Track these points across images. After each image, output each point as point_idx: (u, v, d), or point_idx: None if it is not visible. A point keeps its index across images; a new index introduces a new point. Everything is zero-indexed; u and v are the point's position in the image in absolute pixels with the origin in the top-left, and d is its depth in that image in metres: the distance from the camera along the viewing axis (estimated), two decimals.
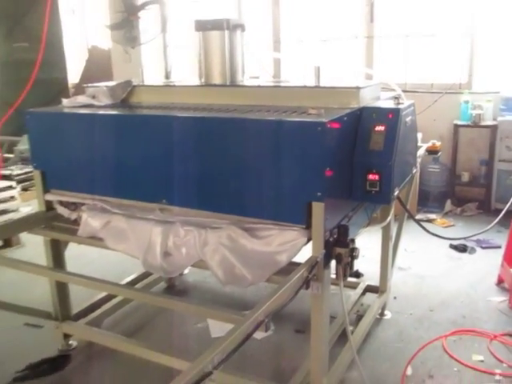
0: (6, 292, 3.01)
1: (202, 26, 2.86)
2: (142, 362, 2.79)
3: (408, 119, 2.58)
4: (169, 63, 6.97)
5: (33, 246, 4.53)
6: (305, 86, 2.68)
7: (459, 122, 5.62)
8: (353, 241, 2.30)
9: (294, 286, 1.98)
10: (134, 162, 2.59)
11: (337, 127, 2.19)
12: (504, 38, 5.42)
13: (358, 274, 3.74)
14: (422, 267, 4.23)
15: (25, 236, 4.51)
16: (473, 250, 4.56)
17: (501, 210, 3.85)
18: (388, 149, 2.36)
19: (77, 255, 3.31)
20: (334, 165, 2.20)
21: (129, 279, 3.63)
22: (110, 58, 7.14)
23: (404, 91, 2.98)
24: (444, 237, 3.85)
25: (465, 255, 4.50)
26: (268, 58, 6.48)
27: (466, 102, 5.57)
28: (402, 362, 2.93)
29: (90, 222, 2.71)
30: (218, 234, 2.34)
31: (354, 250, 2.26)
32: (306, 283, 2.09)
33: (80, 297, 3.26)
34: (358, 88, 2.49)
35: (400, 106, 2.49)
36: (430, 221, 5.28)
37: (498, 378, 2.80)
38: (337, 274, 2.27)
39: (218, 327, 3.30)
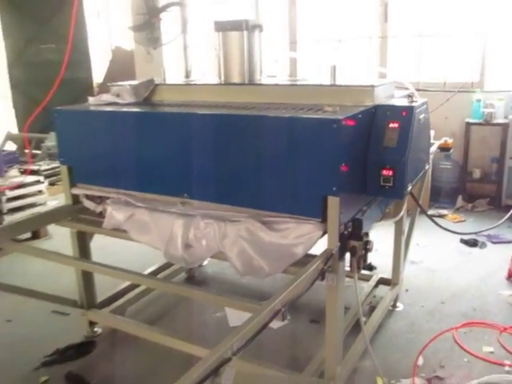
0: (35, 281, 3.06)
1: (222, 27, 2.87)
2: (163, 348, 2.82)
3: (421, 117, 2.57)
4: (189, 63, 6.98)
5: (59, 238, 4.59)
6: (321, 85, 2.67)
7: (471, 120, 5.57)
8: (367, 234, 2.30)
9: (309, 277, 1.98)
10: (157, 157, 2.62)
11: (352, 124, 2.19)
12: None
13: (371, 267, 3.73)
14: (434, 261, 4.20)
15: (52, 228, 4.58)
16: (483, 245, 4.51)
17: (511, 206, 3.81)
18: (401, 145, 2.35)
19: (101, 247, 3.34)
20: (349, 160, 2.20)
21: (150, 270, 3.66)
22: (132, 58, 7.17)
23: (417, 90, 2.96)
24: (455, 231, 3.83)
25: (475, 250, 4.46)
26: (285, 57, 6.47)
27: (478, 101, 5.51)
28: (414, 353, 2.92)
29: (115, 214, 2.73)
30: (236, 227, 2.35)
31: (367, 243, 2.26)
32: (322, 275, 2.09)
33: (104, 286, 3.30)
34: (372, 86, 2.48)
35: (413, 104, 2.48)
36: (441, 216, 5.24)
37: (507, 368, 2.79)
38: (351, 266, 2.27)
39: (236, 316, 3.32)
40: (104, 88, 6.89)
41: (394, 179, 2.34)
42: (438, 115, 4.86)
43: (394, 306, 3.46)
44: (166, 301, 3.63)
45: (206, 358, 1.46)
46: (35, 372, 2.90)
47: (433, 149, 3.27)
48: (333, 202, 2.15)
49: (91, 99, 3.07)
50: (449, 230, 3.59)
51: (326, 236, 2.22)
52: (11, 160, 6.39)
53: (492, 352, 2.95)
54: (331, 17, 6.16)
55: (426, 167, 2.96)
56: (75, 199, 2.98)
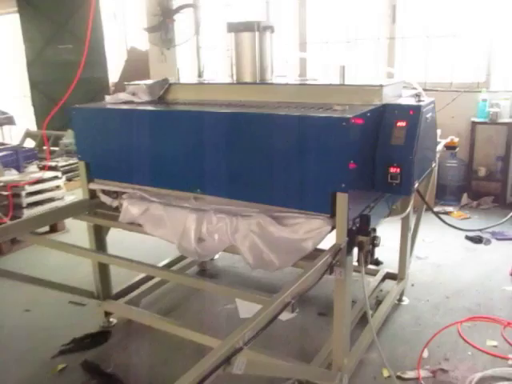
0: (53, 273, 3.09)
1: (234, 28, 2.87)
2: (175, 339, 2.84)
3: (428, 116, 2.56)
4: (201, 63, 7.01)
5: (76, 232, 4.63)
6: (330, 84, 2.67)
7: (477, 120, 5.52)
8: (374, 230, 2.29)
9: (318, 270, 1.99)
10: (171, 154, 2.63)
11: (360, 123, 2.19)
12: None
13: (377, 262, 3.72)
14: (439, 257, 4.18)
15: (69, 222, 4.61)
16: (488, 242, 4.48)
17: None
18: (409, 143, 2.34)
19: (116, 241, 3.35)
20: (358, 158, 2.20)
21: (164, 263, 3.67)
22: (146, 58, 7.18)
23: (424, 90, 2.95)
24: (460, 228, 3.81)
25: (480, 246, 4.43)
26: (294, 57, 6.46)
27: (484, 100, 5.47)
28: (419, 346, 2.91)
29: (130, 209, 2.75)
30: (248, 222, 2.36)
31: (375, 238, 2.25)
32: (330, 268, 2.10)
33: (120, 278, 3.32)
34: (380, 86, 2.47)
35: (421, 103, 2.47)
36: (446, 213, 5.22)
37: (511, 362, 2.77)
38: (358, 260, 2.27)
39: (246, 308, 3.33)
40: (119, 87, 6.92)
41: (402, 176, 2.34)
42: (444, 115, 4.83)
43: (400, 300, 3.45)
44: (178, 293, 3.65)
45: (218, 347, 1.47)
46: (53, 360, 2.93)
47: (439, 147, 3.26)
48: (341, 198, 2.15)
49: (108, 98, 3.09)
50: (454, 227, 3.57)
51: (334, 231, 2.23)
52: (30, 156, 6.46)
53: (496, 346, 2.93)
54: (340, 18, 6.14)
55: (433, 165, 2.95)
56: (92, 194, 3.00)
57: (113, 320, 3.27)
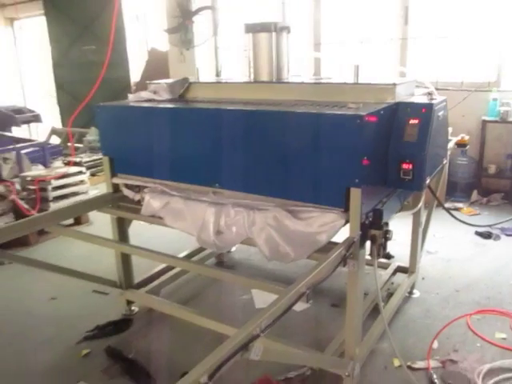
0: (78, 263, 3.12)
1: (252, 29, 2.88)
2: (194, 327, 2.86)
3: (440, 114, 2.54)
4: (219, 63, 7.03)
5: (99, 224, 4.68)
6: (345, 83, 2.65)
7: (487, 118, 5.46)
8: (386, 224, 2.29)
9: (332, 262, 1.99)
10: (191, 150, 2.64)
11: (374, 120, 2.18)
12: None
13: (389, 256, 3.69)
14: (449, 252, 4.15)
15: (93, 215, 4.68)
16: (497, 237, 4.44)
17: None
18: (421, 140, 2.33)
19: (137, 233, 3.38)
20: (371, 154, 2.19)
21: (182, 255, 3.70)
22: (166, 58, 7.21)
23: (435, 89, 2.93)
24: (470, 223, 3.78)
25: (490, 242, 4.39)
26: (309, 57, 6.44)
27: (495, 100, 5.41)
28: (429, 337, 2.90)
29: (152, 202, 2.77)
30: (264, 215, 2.36)
31: (387, 232, 2.25)
32: (344, 261, 2.10)
33: (141, 269, 3.35)
34: (394, 85, 2.46)
35: (433, 102, 2.45)
36: (457, 209, 5.16)
37: None
38: (371, 253, 2.27)
39: (262, 299, 3.34)
40: (141, 86, 6.96)
41: (414, 172, 2.33)
42: (455, 113, 4.78)
43: (411, 292, 3.43)
44: (197, 283, 3.68)
45: (236, 334, 1.48)
46: (78, 345, 2.97)
47: (450, 145, 3.23)
48: (355, 193, 2.15)
49: (131, 96, 3.11)
50: (464, 222, 3.55)
51: (348, 225, 2.23)
52: (56, 152, 6.53)
53: (504, 338, 2.91)
54: (353, 19, 6.10)
55: (444, 162, 2.93)
56: (115, 188, 3.03)
57: (134, 308, 3.31)
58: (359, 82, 2.60)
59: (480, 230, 4.49)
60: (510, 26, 5.32)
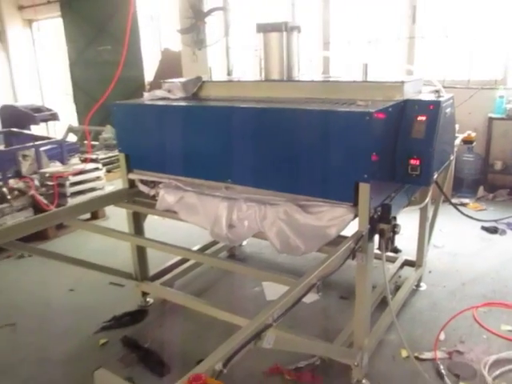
0: (95, 257, 3.15)
1: (263, 28, 2.87)
2: (207, 317, 2.89)
3: (447, 111, 2.53)
4: (231, 62, 7.03)
5: (115, 219, 4.72)
6: (354, 81, 2.65)
7: (494, 115, 5.42)
8: (395, 218, 2.29)
9: (342, 255, 2.00)
10: (204, 146, 2.65)
11: (382, 117, 2.18)
12: None
13: (396, 250, 3.70)
14: (456, 246, 4.13)
15: (109, 210, 4.71)
16: (503, 232, 4.40)
17: None
18: (429, 137, 2.33)
19: (151, 228, 3.39)
20: (380, 150, 2.19)
21: (195, 249, 3.72)
22: (179, 58, 7.23)
23: (442, 87, 2.91)
24: (477, 218, 3.77)
25: (495, 236, 4.36)
26: (318, 56, 6.42)
27: (501, 97, 5.36)
28: (436, 329, 2.90)
29: (166, 197, 2.79)
30: (275, 210, 2.37)
31: (395, 226, 2.25)
32: (353, 254, 2.11)
33: (155, 261, 3.38)
34: (402, 82, 2.45)
35: (440, 99, 2.44)
36: (463, 205, 5.13)
37: None
38: (379, 246, 2.27)
39: (272, 291, 3.36)
40: (154, 85, 6.99)
41: (421, 168, 2.33)
42: (462, 111, 4.74)
43: (418, 285, 3.43)
44: (209, 276, 3.70)
45: (250, 323, 1.50)
46: (95, 335, 3.01)
47: (457, 142, 3.21)
48: (364, 188, 2.15)
49: (146, 94, 3.13)
50: (470, 217, 3.54)
51: (357, 219, 2.23)
52: (72, 150, 6.58)
53: (510, 330, 2.90)
54: (362, 19, 6.08)
55: (451, 158, 2.92)
56: (131, 183, 3.05)
57: (149, 300, 3.33)
58: (368, 80, 2.60)
59: (486, 224, 4.46)
60: None
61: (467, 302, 3.22)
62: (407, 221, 2.92)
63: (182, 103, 2.86)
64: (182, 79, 3.19)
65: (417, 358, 2.63)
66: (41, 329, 3.12)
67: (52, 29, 9.57)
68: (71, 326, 3.11)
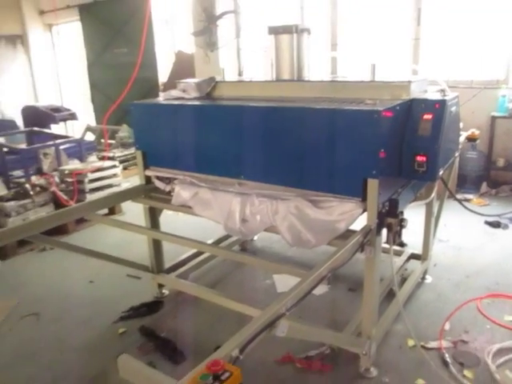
0: (113, 250, 3.17)
1: (275, 30, 2.88)
2: (220, 308, 2.90)
3: (452, 109, 2.52)
4: (241, 63, 7.03)
5: (132, 214, 4.75)
6: (362, 81, 2.65)
7: (496, 114, 5.39)
8: (402, 213, 2.29)
9: (351, 248, 2.00)
10: (218, 144, 2.66)
11: (390, 115, 2.18)
12: None
13: (402, 244, 3.69)
14: (460, 240, 4.11)
15: (125, 205, 4.75)
16: (506, 226, 4.38)
17: None
18: (435, 134, 2.32)
19: (166, 223, 3.40)
20: (387, 147, 2.19)
21: (208, 243, 3.73)
22: (192, 60, 7.23)
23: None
24: (480, 213, 3.74)
25: (498, 231, 4.33)
26: (326, 57, 6.40)
27: (504, 96, 5.32)
28: (441, 320, 2.89)
29: (181, 193, 2.81)
30: (287, 205, 2.38)
31: (403, 220, 2.25)
32: (361, 247, 2.11)
33: (170, 255, 3.40)
34: (409, 82, 2.45)
35: (446, 98, 2.43)
36: (467, 200, 5.10)
37: None
38: (387, 240, 2.27)
39: (283, 284, 3.37)
40: (168, 86, 7.00)
41: (427, 164, 2.32)
42: (465, 110, 4.68)
43: (424, 278, 3.42)
44: (222, 269, 3.71)
45: (264, 312, 1.51)
46: (114, 325, 3.04)
47: (461, 139, 3.20)
48: (372, 184, 2.15)
49: (161, 94, 3.14)
50: (474, 212, 3.52)
51: (365, 213, 2.23)
52: (90, 148, 6.62)
53: None
54: (369, 21, 6.04)
55: (456, 155, 2.91)
56: (148, 180, 3.07)
57: (165, 291, 3.36)
58: (376, 79, 2.59)
59: (489, 219, 4.44)
60: None
61: (471, 293, 3.21)
62: (413, 216, 2.91)
63: (197, 103, 2.87)
64: (196, 79, 3.20)
65: (423, 347, 2.62)
66: (63, 318, 3.15)
67: (71, 32, 9.62)
68: (91, 316, 3.15)
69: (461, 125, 3.06)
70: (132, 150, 7.17)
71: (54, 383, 2.54)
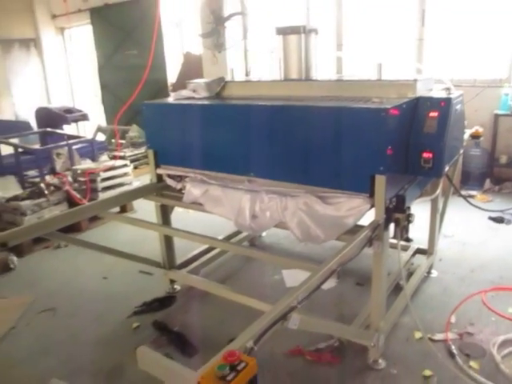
0: (125, 247, 3.18)
1: (283, 31, 2.88)
2: (230, 303, 2.90)
3: (457, 107, 2.52)
4: (248, 64, 7.03)
5: (143, 212, 4.77)
6: (369, 80, 2.65)
7: (499, 112, 5.36)
8: (409, 208, 2.29)
9: (360, 243, 2.01)
10: (228, 143, 2.67)
11: (397, 113, 2.18)
12: None
13: (408, 239, 3.67)
14: (465, 235, 4.10)
15: (136, 204, 4.77)
16: (509, 222, 4.35)
17: None
18: (440, 131, 2.32)
19: (177, 220, 3.42)
20: (394, 144, 2.19)
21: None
22: (200, 61, 7.23)
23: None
24: (484, 208, 3.73)
25: (502, 226, 4.31)
26: (332, 56, 6.38)
27: (506, 95, 5.30)
28: (447, 313, 2.89)
29: (192, 190, 2.82)
30: (296, 201, 2.39)
31: (410, 215, 2.26)
32: (370, 242, 2.11)
33: (181, 252, 3.41)
34: (415, 80, 2.45)
35: (451, 96, 2.43)
36: (470, 197, 5.07)
37: None
38: (395, 234, 2.28)
39: (292, 279, 3.37)
40: (177, 87, 7.01)
41: (433, 161, 2.32)
42: (468, 108, 4.62)
43: (429, 272, 3.41)
44: (232, 265, 3.72)
45: (277, 305, 1.52)
46: (128, 319, 3.05)
47: (465, 137, 3.19)
48: (380, 180, 2.16)
49: (172, 94, 3.15)
50: (478, 207, 3.51)
51: (373, 209, 2.24)
52: (101, 148, 6.66)
53: None
54: (373, 22, 6.03)
55: (461, 151, 2.91)
56: (159, 178, 3.08)
57: (177, 287, 3.37)
58: (382, 78, 2.59)
59: (493, 215, 4.43)
60: None
61: (476, 287, 3.20)
62: (418, 212, 2.90)
63: (207, 102, 2.88)
64: (206, 79, 3.20)
65: (429, 339, 2.63)
66: (78, 314, 3.18)
67: (82, 35, 9.66)
68: (105, 311, 3.16)
69: (465, 123, 3.05)
70: (142, 150, 7.20)
71: (72, 376, 2.55)
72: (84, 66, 9.89)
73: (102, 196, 4.88)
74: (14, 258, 3.93)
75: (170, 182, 3.03)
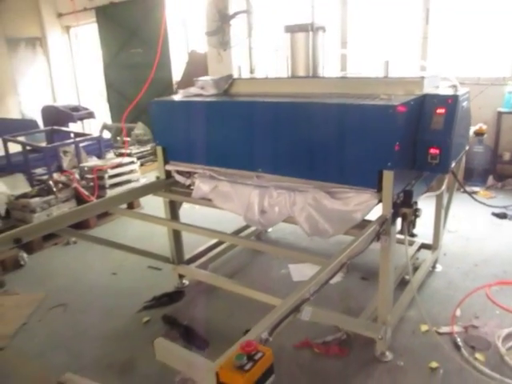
0: (134, 243, 3.20)
1: (291, 29, 2.89)
2: (238, 297, 2.93)
3: (464, 104, 2.53)
4: (253, 62, 7.05)
5: (150, 208, 4.75)
6: (376, 77, 2.66)
7: (502, 110, 5.37)
8: (416, 203, 2.31)
9: (368, 237, 2.03)
10: (236, 139, 2.69)
11: (404, 110, 2.19)
12: None
13: (412, 235, 3.69)
14: (468, 230, 4.12)
15: (144, 200, 4.78)
16: None
17: None
18: (447, 128, 2.34)
19: (184, 217, 3.44)
20: (402, 140, 2.21)
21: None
22: (205, 59, 7.24)
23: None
24: (488, 204, 3.74)
25: (505, 221, 4.32)
26: (337, 54, 6.38)
27: (510, 93, 5.30)
28: (452, 306, 2.91)
29: (201, 186, 2.84)
30: (304, 196, 2.40)
31: (417, 210, 2.28)
32: (377, 236, 2.13)
33: (189, 247, 3.43)
34: (422, 78, 2.46)
35: (458, 93, 2.44)
36: (474, 193, 5.07)
37: None
38: (402, 229, 2.30)
39: (298, 273, 3.40)
40: (182, 85, 7.02)
41: (440, 157, 2.34)
42: (472, 105, 4.63)
43: (434, 267, 3.43)
44: (239, 260, 3.75)
45: (290, 296, 1.54)
46: (138, 314, 3.08)
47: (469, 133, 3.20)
48: (387, 176, 2.18)
49: (180, 91, 3.16)
50: (482, 203, 3.52)
51: (380, 204, 2.25)
52: (108, 145, 6.67)
53: None
54: (378, 20, 6.03)
55: (466, 148, 2.92)
56: (168, 174, 3.10)
57: (185, 281, 3.39)
58: (389, 75, 2.60)
59: (496, 210, 4.44)
60: None
61: (480, 281, 3.22)
62: (423, 207, 2.91)
63: (215, 99, 2.89)
64: (214, 77, 3.22)
65: (435, 331, 2.64)
66: (88, 309, 3.20)
67: (88, 34, 9.68)
68: (115, 306, 3.19)
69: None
70: (148, 147, 7.22)
71: (84, 371, 2.57)
72: (89, 65, 9.90)
73: (110, 193, 4.88)
74: (24, 255, 3.96)
75: (178, 178, 3.05)
